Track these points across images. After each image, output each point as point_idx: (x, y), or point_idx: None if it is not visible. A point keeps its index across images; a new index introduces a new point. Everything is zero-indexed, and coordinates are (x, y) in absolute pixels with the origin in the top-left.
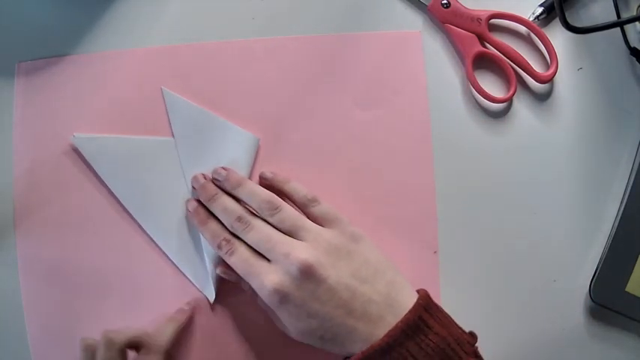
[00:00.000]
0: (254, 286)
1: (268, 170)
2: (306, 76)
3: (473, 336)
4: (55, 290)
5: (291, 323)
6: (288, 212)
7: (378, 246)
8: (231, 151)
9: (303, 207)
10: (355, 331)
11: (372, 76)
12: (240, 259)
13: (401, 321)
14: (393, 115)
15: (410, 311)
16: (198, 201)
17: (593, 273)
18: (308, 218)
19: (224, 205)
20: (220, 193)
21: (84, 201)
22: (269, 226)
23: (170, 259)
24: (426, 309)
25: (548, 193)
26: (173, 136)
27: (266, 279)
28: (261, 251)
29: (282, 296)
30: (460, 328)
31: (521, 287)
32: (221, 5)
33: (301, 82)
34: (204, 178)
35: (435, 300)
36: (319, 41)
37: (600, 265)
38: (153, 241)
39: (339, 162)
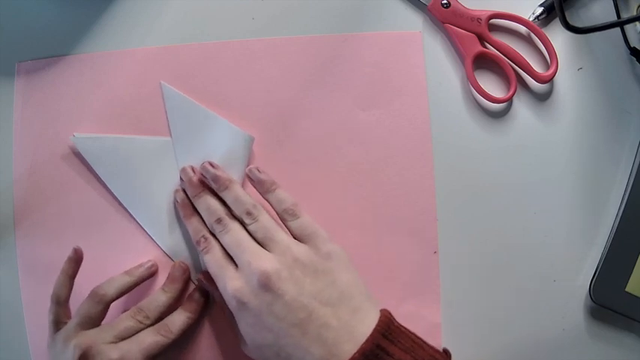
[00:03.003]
0: (219, 287)
1: (257, 168)
2: (306, 76)
3: (447, 354)
4: None
5: (247, 333)
6: (264, 223)
7: (378, 246)
8: (226, 148)
9: (282, 220)
10: (309, 355)
11: (372, 76)
12: (213, 259)
13: (357, 351)
14: (393, 115)
15: (366, 340)
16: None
17: (593, 273)
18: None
19: (207, 204)
20: (205, 191)
21: (84, 201)
22: (244, 232)
23: (169, 257)
24: (384, 335)
25: (548, 192)
26: (169, 130)
27: (229, 283)
28: (232, 255)
29: (240, 303)
30: (431, 349)
31: (521, 287)
32: (221, 5)
33: (301, 82)
34: (193, 171)
35: (435, 301)
36: (319, 41)
37: (600, 265)
38: (152, 239)
39: (339, 162)
